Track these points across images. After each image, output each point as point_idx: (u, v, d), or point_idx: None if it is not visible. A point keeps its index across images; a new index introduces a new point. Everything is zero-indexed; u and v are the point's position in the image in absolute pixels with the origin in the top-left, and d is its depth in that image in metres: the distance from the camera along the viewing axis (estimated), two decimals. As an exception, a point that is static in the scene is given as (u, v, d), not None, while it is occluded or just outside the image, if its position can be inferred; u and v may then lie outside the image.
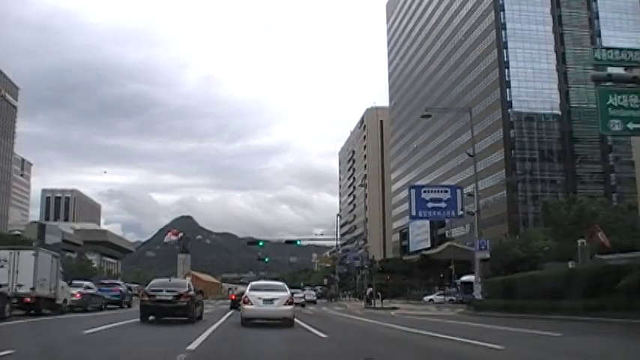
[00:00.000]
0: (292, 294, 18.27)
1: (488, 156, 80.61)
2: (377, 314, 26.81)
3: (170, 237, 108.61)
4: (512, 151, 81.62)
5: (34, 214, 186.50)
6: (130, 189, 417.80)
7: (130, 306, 29.07)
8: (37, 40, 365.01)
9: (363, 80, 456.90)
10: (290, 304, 15.94)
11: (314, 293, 56.65)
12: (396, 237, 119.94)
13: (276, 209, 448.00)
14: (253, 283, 19.05)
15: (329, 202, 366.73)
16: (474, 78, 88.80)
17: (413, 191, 27.07)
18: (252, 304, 15.52)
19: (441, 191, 26.80)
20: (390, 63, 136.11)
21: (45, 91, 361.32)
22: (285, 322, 15.45)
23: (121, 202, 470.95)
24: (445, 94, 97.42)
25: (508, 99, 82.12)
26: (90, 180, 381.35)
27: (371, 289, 38.24)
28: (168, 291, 16.04)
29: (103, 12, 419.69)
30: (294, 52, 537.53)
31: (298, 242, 46.42)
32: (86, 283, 24.32)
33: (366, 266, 45.93)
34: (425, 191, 26.75)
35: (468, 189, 28.20)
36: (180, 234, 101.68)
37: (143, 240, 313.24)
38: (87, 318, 18.28)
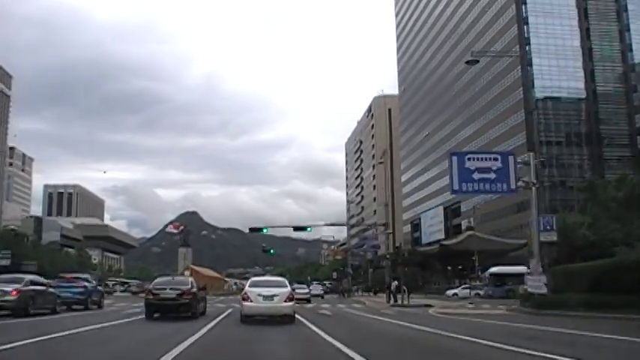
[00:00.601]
0: (294, 290, 18.82)
1: (509, 139, 75.66)
2: (412, 314, 21.26)
3: (171, 229, 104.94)
4: (535, 134, 75.97)
5: (37, 210, 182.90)
6: (134, 185, 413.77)
7: (100, 306, 22.82)
8: (41, 37, 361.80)
9: (367, 75, 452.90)
10: (291, 300, 15.45)
11: (321, 287, 56.07)
12: (407, 229, 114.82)
13: (280, 204, 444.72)
14: (253, 279, 18.32)
15: (334, 196, 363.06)
16: (492, 57, 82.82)
17: (454, 159, 21.16)
18: (251, 301, 15.06)
19: (490, 159, 21.04)
20: (398, 48, 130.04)
21: (49, 87, 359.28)
22: (286, 320, 14.90)
23: (126, 199, 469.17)
24: (459, 76, 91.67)
25: (529, 78, 76.39)
26: (94, 176, 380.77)
27: (396, 282, 32.74)
28: (171, 289, 16.30)
29: (107, 8, 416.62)
30: (298, 47, 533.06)
31: (309, 229, 41.20)
32: (30, 277, 17.97)
33: (388, 256, 40.44)
34: (469, 159, 21.07)
35: (524, 157, 22.29)
36: (182, 227, 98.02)
37: (149, 236, 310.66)
38: (11, 327, 12.80)
